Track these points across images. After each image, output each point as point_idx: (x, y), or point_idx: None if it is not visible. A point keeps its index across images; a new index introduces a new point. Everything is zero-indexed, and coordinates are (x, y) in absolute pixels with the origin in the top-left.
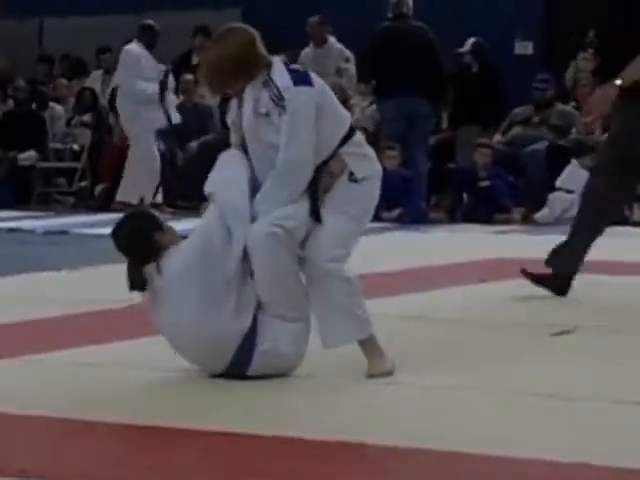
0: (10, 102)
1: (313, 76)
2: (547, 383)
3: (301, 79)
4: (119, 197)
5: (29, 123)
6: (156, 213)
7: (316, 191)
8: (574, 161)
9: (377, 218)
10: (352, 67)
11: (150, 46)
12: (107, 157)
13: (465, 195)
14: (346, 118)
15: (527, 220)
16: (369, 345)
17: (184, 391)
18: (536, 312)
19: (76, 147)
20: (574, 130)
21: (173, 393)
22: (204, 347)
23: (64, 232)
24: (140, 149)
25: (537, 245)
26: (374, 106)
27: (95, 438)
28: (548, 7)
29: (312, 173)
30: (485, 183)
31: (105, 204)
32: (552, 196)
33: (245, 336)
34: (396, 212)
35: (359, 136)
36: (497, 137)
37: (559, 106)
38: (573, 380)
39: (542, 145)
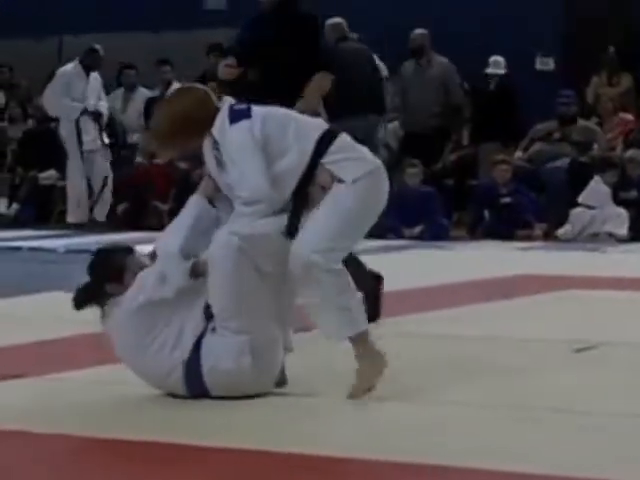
0: (30, 121)
1: (255, 107)
2: (572, 399)
3: (238, 116)
4: (69, 219)
5: (49, 142)
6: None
7: (299, 206)
8: (596, 177)
9: (398, 235)
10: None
11: (90, 68)
12: (128, 176)
13: (486, 212)
14: (316, 127)
15: (549, 236)
16: (360, 344)
17: (204, 410)
18: (559, 328)
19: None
20: (595, 146)
21: (191, 411)
22: (154, 378)
23: (85, 251)
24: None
25: (559, 261)
26: (396, 122)
27: (115, 456)
28: (569, 23)
29: (274, 193)
30: (506, 200)
31: (126, 223)
32: (574, 212)
33: (186, 362)
34: (417, 229)
35: (343, 139)
36: (518, 154)
37: (581, 122)
38: (599, 396)
39: (564, 161)
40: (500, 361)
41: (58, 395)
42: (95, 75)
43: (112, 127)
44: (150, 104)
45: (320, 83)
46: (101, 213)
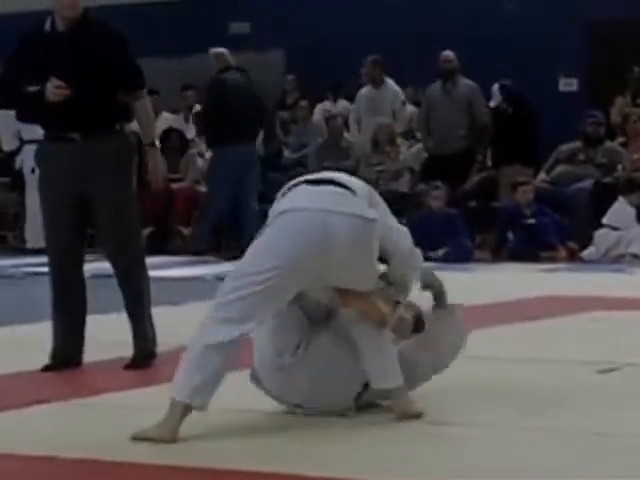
0: None
1: None
2: (595, 420)
3: None
4: (29, 244)
5: None
6: None
7: None
8: (621, 198)
9: (423, 258)
10: (406, 109)
11: None
12: (152, 200)
13: (510, 233)
14: None
15: (574, 258)
16: None
17: (242, 431)
18: (583, 349)
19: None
20: (620, 167)
21: (224, 434)
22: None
23: (111, 276)
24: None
25: (584, 283)
26: (420, 145)
27: None
28: (592, 44)
29: None
30: (530, 221)
31: (150, 247)
32: (598, 233)
33: None
34: (441, 251)
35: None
36: (542, 175)
37: (606, 143)
38: (623, 417)
39: (588, 183)
40: (524, 383)
41: (84, 420)
42: None
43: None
44: (167, 134)
45: None
46: None
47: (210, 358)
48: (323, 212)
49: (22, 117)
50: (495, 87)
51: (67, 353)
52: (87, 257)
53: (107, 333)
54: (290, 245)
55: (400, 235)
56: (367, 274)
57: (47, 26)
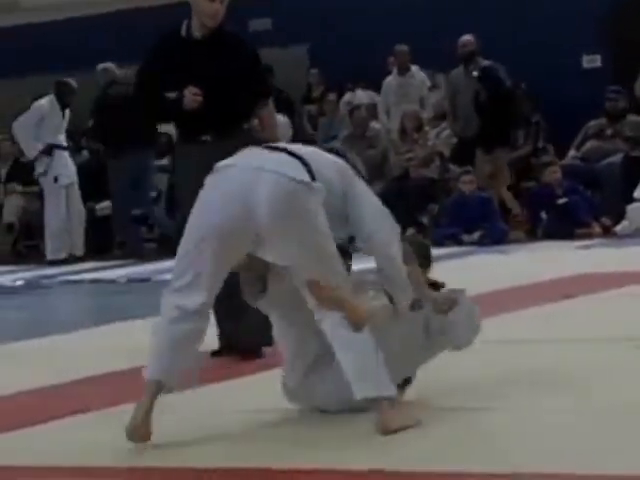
0: (84, 153)
1: None
2: (636, 396)
3: None
4: (49, 256)
5: (104, 172)
6: None
7: None
8: None
9: (458, 242)
10: (434, 95)
11: (65, 103)
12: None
13: (543, 213)
14: None
15: (607, 233)
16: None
17: (275, 431)
18: (623, 325)
19: (153, 193)
20: None
21: (262, 435)
22: None
23: (146, 280)
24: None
25: (619, 258)
26: (448, 131)
27: None
28: (614, 19)
29: None
30: (562, 200)
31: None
32: (631, 208)
33: None
34: (476, 234)
35: None
36: (572, 152)
37: (631, 117)
38: None
39: (617, 157)
40: (565, 362)
41: (120, 429)
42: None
43: (173, 151)
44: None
45: None
46: (79, 247)
47: (174, 332)
48: (253, 170)
49: (156, 120)
50: (475, 73)
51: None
52: (121, 262)
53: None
54: (213, 213)
55: (377, 212)
56: (307, 245)
57: (183, 32)
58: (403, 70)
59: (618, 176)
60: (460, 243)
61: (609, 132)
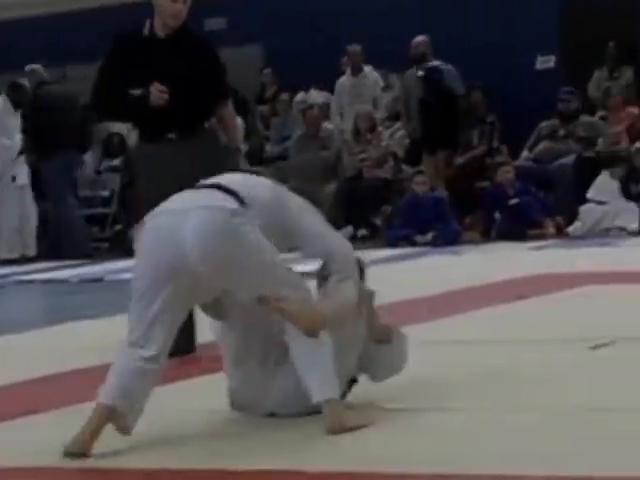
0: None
1: None
2: (590, 397)
3: None
4: (2, 255)
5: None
6: None
7: None
8: (604, 172)
9: (411, 243)
10: (387, 96)
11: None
12: (138, 201)
13: (497, 214)
14: None
15: (560, 234)
16: None
17: (227, 432)
18: (576, 326)
19: (106, 193)
20: (600, 141)
21: (214, 436)
22: None
23: (98, 280)
24: None
25: (572, 259)
26: (403, 131)
27: None
28: (567, 20)
29: None
30: (514, 201)
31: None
32: (584, 208)
33: None
34: (430, 235)
35: None
36: (525, 153)
37: (585, 118)
38: (615, 393)
39: (570, 158)
40: (518, 362)
41: (74, 429)
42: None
43: (125, 151)
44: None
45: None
46: (31, 248)
47: (134, 374)
48: (180, 213)
49: (116, 118)
50: (420, 73)
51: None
52: (74, 262)
53: (97, 339)
54: (150, 264)
55: (315, 230)
56: (248, 267)
57: (146, 30)
58: (356, 70)
59: (571, 177)
60: (413, 244)
61: (562, 133)
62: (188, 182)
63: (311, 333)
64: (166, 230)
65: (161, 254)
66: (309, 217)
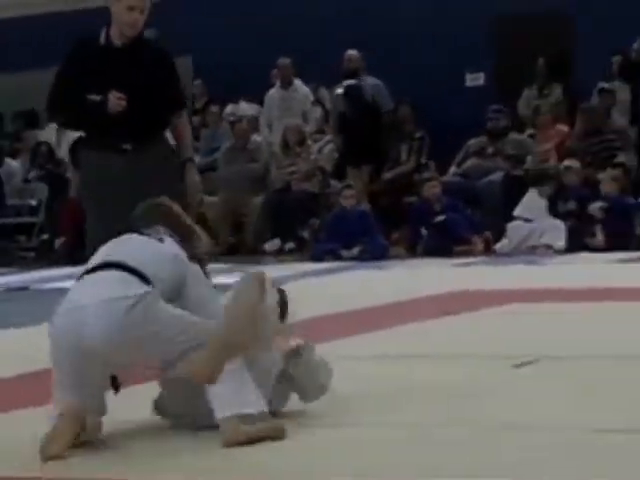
0: None
1: None
2: (510, 415)
3: None
4: None
5: None
6: None
7: None
8: (531, 190)
9: (337, 257)
10: (318, 110)
11: None
12: (65, 210)
13: (423, 229)
14: None
15: (487, 251)
16: None
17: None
18: (500, 343)
19: (33, 202)
20: (529, 159)
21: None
22: None
23: (24, 288)
24: None
25: (498, 276)
26: (331, 145)
27: None
28: (497, 38)
29: None
30: (440, 218)
31: (65, 257)
32: (511, 226)
33: None
34: (356, 250)
35: None
36: (453, 169)
37: (513, 135)
38: (536, 411)
39: (498, 175)
40: (442, 378)
41: (4, 436)
42: None
43: (54, 161)
44: (76, 144)
45: None
46: None
47: None
48: (81, 309)
49: (71, 125)
50: (339, 91)
51: None
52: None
53: (21, 348)
54: (60, 361)
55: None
56: (154, 345)
57: (102, 39)
58: (286, 84)
59: (499, 194)
60: (339, 258)
61: (490, 150)
62: (139, 194)
63: (209, 382)
64: (69, 327)
65: (70, 346)
66: (200, 288)
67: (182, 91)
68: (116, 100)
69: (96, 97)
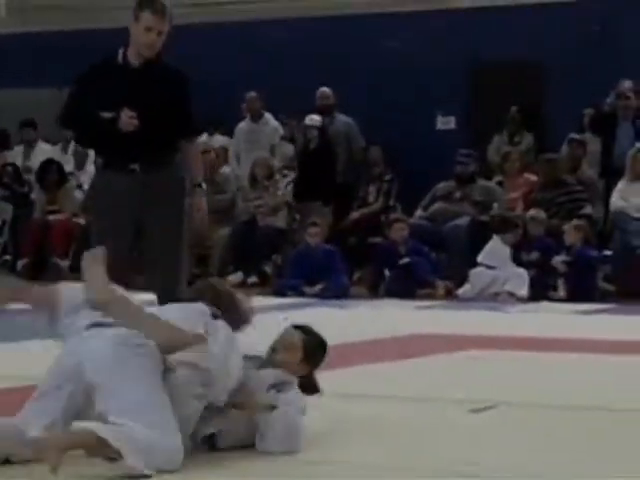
0: None
1: None
2: (466, 460)
3: None
4: None
5: None
6: None
7: None
8: (495, 237)
9: (299, 293)
10: (287, 145)
11: None
12: (29, 231)
13: (387, 270)
14: None
15: (449, 295)
16: None
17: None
18: (457, 388)
19: None
20: (495, 206)
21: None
22: None
23: None
24: None
25: (459, 321)
26: None
27: None
28: (470, 82)
29: None
30: (404, 260)
31: (27, 278)
32: (474, 272)
33: None
34: (318, 287)
35: None
36: (419, 212)
37: (481, 182)
38: (491, 458)
39: (464, 220)
40: (397, 421)
41: None
42: None
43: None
44: (46, 165)
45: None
46: None
47: None
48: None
49: (84, 141)
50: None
51: None
52: None
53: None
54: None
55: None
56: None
57: (120, 59)
58: (256, 117)
59: (464, 239)
60: (302, 294)
61: (458, 195)
62: (141, 215)
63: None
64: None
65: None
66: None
67: (195, 117)
68: (128, 119)
69: (108, 114)
